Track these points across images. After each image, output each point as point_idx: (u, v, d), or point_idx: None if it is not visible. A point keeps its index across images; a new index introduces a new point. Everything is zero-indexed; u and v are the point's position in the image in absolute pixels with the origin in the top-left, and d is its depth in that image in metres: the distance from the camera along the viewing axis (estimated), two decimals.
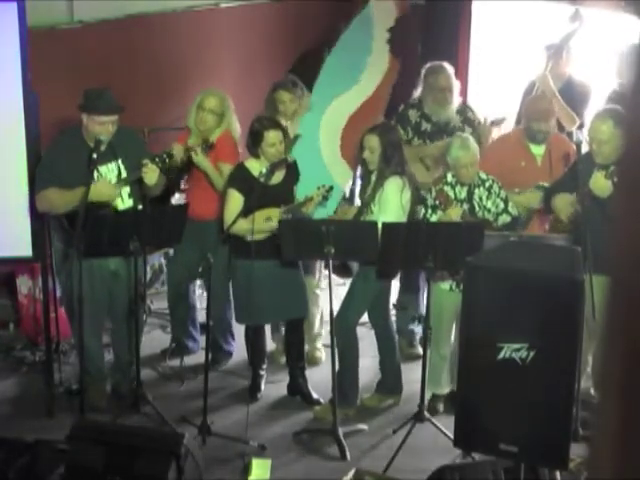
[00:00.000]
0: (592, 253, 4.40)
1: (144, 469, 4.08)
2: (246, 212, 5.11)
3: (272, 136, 5.18)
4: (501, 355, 3.64)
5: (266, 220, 5.15)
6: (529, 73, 6.23)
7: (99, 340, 5.46)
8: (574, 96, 6.00)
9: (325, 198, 5.21)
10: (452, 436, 4.03)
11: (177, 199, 6.29)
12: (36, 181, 5.07)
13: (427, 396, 5.09)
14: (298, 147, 5.75)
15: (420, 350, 5.96)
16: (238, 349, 5.94)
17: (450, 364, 5.25)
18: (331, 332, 4.95)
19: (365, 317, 5.47)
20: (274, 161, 5.20)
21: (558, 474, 4.07)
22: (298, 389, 5.53)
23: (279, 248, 5.00)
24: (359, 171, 5.73)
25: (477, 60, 7.02)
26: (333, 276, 4.99)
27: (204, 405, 4.93)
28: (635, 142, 1.23)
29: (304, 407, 5.43)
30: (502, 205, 5.22)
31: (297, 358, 5.56)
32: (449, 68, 5.92)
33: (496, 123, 5.98)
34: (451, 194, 5.17)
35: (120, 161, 5.14)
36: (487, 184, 5.22)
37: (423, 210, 5.20)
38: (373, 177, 5.22)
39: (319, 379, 5.61)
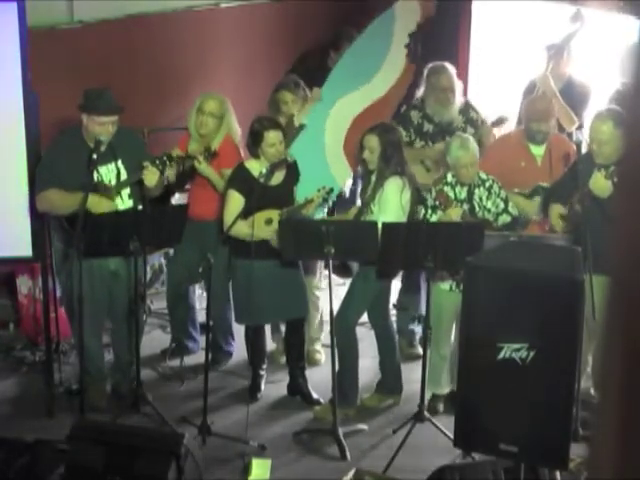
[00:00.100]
0: (592, 253, 4.40)
1: (144, 469, 4.08)
2: (246, 213, 5.11)
3: (272, 136, 5.18)
4: (501, 355, 3.64)
5: (266, 222, 5.15)
6: (529, 73, 6.23)
7: (99, 340, 5.46)
8: (574, 96, 6.00)
9: (325, 200, 5.21)
10: (452, 436, 4.03)
11: (177, 199, 6.29)
12: (36, 181, 5.07)
13: (427, 396, 5.09)
14: (303, 137, 5.74)
15: (420, 350, 5.96)
16: (238, 349, 5.94)
17: (450, 364, 5.25)
18: (331, 332, 4.95)
19: (365, 317, 5.47)
20: (274, 161, 5.20)
21: (558, 474, 4.07)
22: (298, 389, 5.53)
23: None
24: (360, 172, 5.74)
25: (477, 60, 7.02)
26: (333, 276, 4.99)
27: (204, 405, 4.93)
28: (635, 142, 1.23)
29: (304, 407, 5.43)
30: (502, 205, 5.22)
31: (297, 358, 5.56)
32: (451, 68, 5.92)
33: (497, 123, 5.97)
34: (451, 194, 5.17)
35: (120, 162, 5.14)
36: (487, 184, 5.22)
37: (423, 210, 5.21)
38: (373, 177, 5.22)
39: (319, 379, 5.61)
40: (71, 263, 5.15)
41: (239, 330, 5.79)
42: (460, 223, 5.02)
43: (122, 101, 5.16)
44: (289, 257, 5.13)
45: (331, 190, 5.20)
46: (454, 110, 5.94)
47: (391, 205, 5.10)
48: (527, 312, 3.61)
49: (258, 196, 5.09)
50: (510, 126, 6.12)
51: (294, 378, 5.55)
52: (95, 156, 4.93)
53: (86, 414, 4.93)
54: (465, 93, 6.21)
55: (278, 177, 5.27)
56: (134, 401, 5.11)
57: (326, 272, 5.21)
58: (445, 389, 5.36)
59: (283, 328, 5.83)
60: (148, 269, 6.30)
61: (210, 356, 5.29)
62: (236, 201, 5.20)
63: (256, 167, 5.23)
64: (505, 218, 5.22)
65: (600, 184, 4.74)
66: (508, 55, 6.89)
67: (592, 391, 4.91)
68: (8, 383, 5.71)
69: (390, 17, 6.04)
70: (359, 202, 5.56)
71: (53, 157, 5.11)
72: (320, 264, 5.85)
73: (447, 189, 5.19)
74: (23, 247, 5.25)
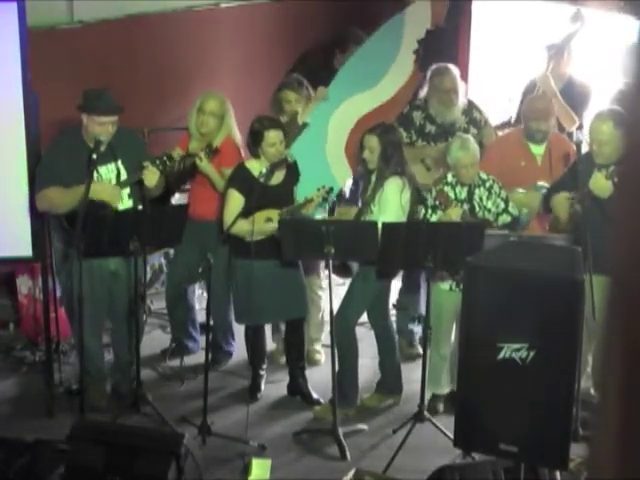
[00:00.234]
0: (592, 253, 4.40)
1: (144, 469, 4.08)
2: (246, 213, 5.12)
3: (272, 136, 5.18)
4: (501, 355, 3.64)
5: (266, 221, 5.15)
6: (529, 73, 6.23)
7: (99, 340, 5.46)
8: (575, 96, 6.00)
9: (325, 200, 5.21)
10: (452, 436, 4.03)
11: (177, 199, 6.29)
12: (36, 181, 5.07)
13: (427, 396, 5.09)
14: (305, 135, 5.74)
15: (420, 350, 5.97)
16: (238, 349, 5.93)
17: (450, 364, 5.25)
18: (331, 332, 4.95)
19: (365, 317, 5.47)
20: (274, 161, 5.20)
21: (558, 474, 4.07)
22: (298, 389, 5.53)
23: (279, 248, 5.00)
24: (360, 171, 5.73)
25: (477, 60, 7.02)
26: (333, 276, 5.00)
27: (204, 405, 4.93)
28: (636, 143, 1.23)
29: (304, 407, 5.43)
30: (502, 205, 5.22)
31: (297, 358, 5.56)
32: (454, 70, 5.91)
33: (502, 127, 5.97)
34: (451, 194, 5.17)
35: (120, 162, 5.13)
36: (487, 184, 5.22)
37: (423, 210, 5.21)
38: (373, 177, 5.22)
39: (319, 379, 5.61)
40: (71, 263, 5.15)
41: (239, 330, 5.79)
42: (460, 223, 5.02)
43: (122, 101, 5.16)
44: (289, 257, 5.13)
45: (331, 189, 5.20)
46: (457, 111, 5.94)
47: (391, 205, 5.10)
48: (527, 312, 3.61)
49: (258, 196, 5.09)
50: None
51: (294, 378, 5.55)
52: (95, 156, 4.93)
53: (86, 414, 4.93)
54: (465, 93, 6.21)
55: (278, 177, 5.27)
56: (134, 401, 5.10)
57: (327, 272, 5.21)
58: (445, 389, 5.36)
59: (283, 328, 5.83)
60: (148, 269, 6.30)
61: (210, 356, 5.30)
62: (236, 201, 5.20)
63: (256, 167, 5.23)
64: (505, 218, 5.22)
65: (600, 184, 4.74)
66: (508, 55, 6.89)
67: (592, 391, 4.91)
68: (8, 383, 5.71)
69: (400, 22, 6.05)
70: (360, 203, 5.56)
71: (53, 157, 5.11)
72: (322, 264, 5.85)
73: (447, 189, 5.19)
74: (23, 247, 5.25)
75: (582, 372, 4.67)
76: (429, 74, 5.94)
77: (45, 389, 5.39)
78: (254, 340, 5.51)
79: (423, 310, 5.15)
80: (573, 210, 4.94)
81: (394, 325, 5.58)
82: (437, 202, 5.13)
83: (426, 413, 4.89)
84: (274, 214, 5.14)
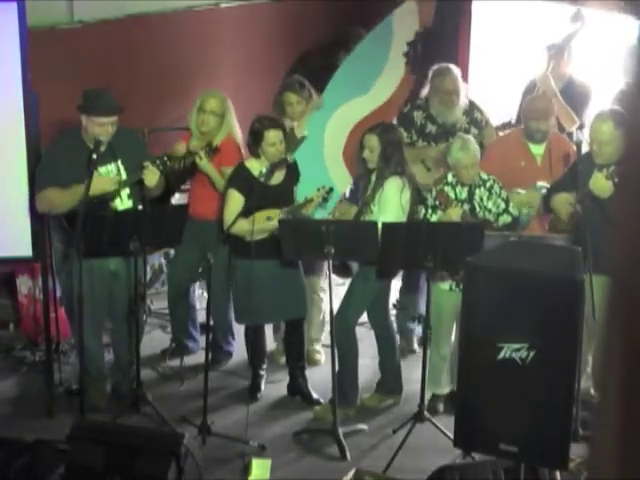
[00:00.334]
0: (592, 253, 4.40)
1: (144, 469, 4.08)
2: (246, 212, 5.12)
3: (272, 135, 5.18)
4: (501, 355, 3.64)
5: (266, 221, 5.15)
6: (529, 73, 6.22)
7: (99, 340, 5.46)
8: (575, 97, 6.00)
9: (325, 200, 5.21)
10: (452, 436, 4.03)
11: (177, 199, 6.29)
12: (36, 181, 5.07)
13: (427, 396, 5.09)
14: (302, 147, 5.75)
15: (416, 348, 5.99)
16: (238, 349, 5.94)
17: (450, 364, 5.25)
18: (331, 332, 4.95)
19: (365, 317, 5.47)
20: (274, 161, 5.20)
21: (558, 474, 4.07)
22: (298, 389, 5.53)
23: (279, 248, 5.00)
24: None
25: (477, 60, 7.02)
26: (333, 276, 5.00)
27: (204, 405, 4.93)
28: (636, 143, 1.23)
29: (304, 407, 5.43)
30: (503, 205, 5.22)
31: (297, 358, 5.56)
32: (456, 70, 5.90)
33: (502, 128, 5.97)
34: (452, 194, 5.17)
35: (119, 162, 5.13)
36: (488, 184, 5.22)
37: (423, 210, 5.21)
38: (373, 177, 5.22)
39: (319, 379, 5.61)
40: (71, 263, 5.14)
41: (239, 330, 5.79)
42: (460, 223, 5.02)
43: (122, 101, 5.16)
44: (289, 257, 5.13)
45: (331, 190, 5.19)
46: (458, 112, 5.94)
47: (391, 205, 5.10)
48: (527, 312, 3.61)
49: (258, 195, 5.09)
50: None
51: (294, 378, 5.55)
52: (95, 156, 4.93)
53: (86, 414, 4.92)
54: (466, 94, 6.21)
55: (278, 177, 5.27)
56: (134, 401, 5.10)
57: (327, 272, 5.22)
58: (445, 389, 5.36)
59: (284, 327, 5.84)
60: (148, 269, 6.30)
61: (210, 356, 5.29)
62: (236, 200, 5.20)
63: (256, 166, 5.23)
64: (506, 218, 5.22)
65: (600, 184, 4.74)
66: (508, 55, 6.89)
67: (592, 391, 4.91)
68: (8, 383, 5.71)
69: (388, 26, 6.05)
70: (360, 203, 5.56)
71: (52, 158, 5.10)
72: (324, 264, 5.84)
73: (448, 189, 5.19)
74: (23, 247, 5.25)
75: (582, 372, 4.67)
76: (430, 74, 5.93)
77: (45, 389, 5.39)
78: (254, 340, 5.51)
79: (423, 310, 5.15)
80: (573, 210, 4.94)
81: (394, 325, 5.58)
82: (437, 202, 5.13)
83: (426, 413, 4.89)
84: (274, 214, 5.14)
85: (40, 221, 5.29)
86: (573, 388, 3.71)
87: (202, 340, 5.78)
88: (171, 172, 5.35)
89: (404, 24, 6.09)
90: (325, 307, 5.84)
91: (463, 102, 5.95)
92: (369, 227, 4.97)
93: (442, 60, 6.04)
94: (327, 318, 5.45)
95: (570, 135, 5.81)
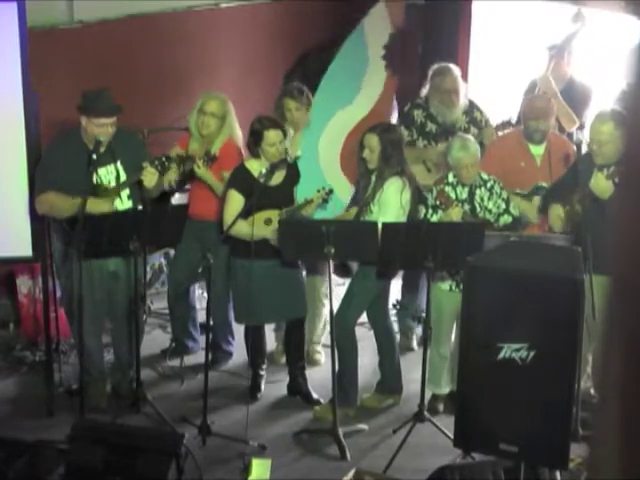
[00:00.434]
0: (592, 253, 4.40)
1: (144, 469, 4.08)
2: (246, 213, 5.11)
3: (272, 135, 5.17)
4: (501, 355, 3.64)
5: (265, 222, 5.15)
6: (530, 73, 6.23)
7: (99, 340, 5.46)
8: (575, 97, 6.00)
9: (325, 201, 5.21)
10: (452, 436, 4.03)
11: (177, 199, 6.29)
12: (35, 182, 5.06)
13: (427, 396, 5.09)
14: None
15: (415, 345, 5.99)
16: (238, 349, 5.94)
17: (450, 364, 5.25)
18: (331, 332, 4.95)
19: (365, 317, 5.47)
20: (274, 161, 5.20)
21: (558, 474, 4.07)
22: (298, 389, 5.53)
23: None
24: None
25: (477, 60, 7.02)
26: (333, 276, 4.99)
27: (204, 405, 4.93)
28: (636, 143, 1.23)
29: (304, 407, 5.43)
30: (503, 206, 5.22)
31: (297, 358, 5.56)
32: (456, 70, 5.90)
33: (502, 127, 5.97)
34: (452, 195, 5.17)
35: (119, 163, 5.12)
36: (488, 185, 5.22)
37: (424, 210, 5.21)
38: (373, 177, 5.22)
39: (319, 379, 5.61)
40: (71, 263, 5.14)
41: (239, 330, 5.79)
42: (460, 223, 5.02)
43: (122, 101, 5.15)
44: (289, 257, 5.13)
45: (331, 191, 5.20)
46: (458, 111, 5.93)
47: (391, 205, 5.10)
48: (527, 312, 3.61)
49: (258, 196, 5.09)
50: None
51: (294, 378, 5.55)
52: (95, 157, 4.93)
53: (86, 414, 4.92)
54: (466, 93, 6.21)
55: (278, 177, 5.27)
56: (134, 401, 5.10)
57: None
58: (445, 389, 5.36)
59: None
60: (148, 269, 6.30)
61: (210, 356, 5.29)
62: (236, 201, 5.20)
63: (256, 167, 5.23)
64: (506, 219, 5.22)
65: (601, 185, 4.74)
66: (508, 55, 6.89)
67: (592, 391, 4.91)
68: (8, 383, 5.71)
69: (360, 34, 6.05)
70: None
71: (52, 159, 5.10)
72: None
73: (448, 189, 5.19)
74: (23, 247, 5.25)
75: (582, 372, 4.67)
76: (430, 73, 5.94)
77: (45, 389, 5.39)
78: (254, 340, 5.51)
79: (423, 310, 5.15)
80: (573, 210, 4.94)
81: (394, 325, 5.58)
82: (438, 202, 5.13)
83: (426, 413, 4.89)
84: (274, 215, 5.14)
85: (40, 221, 5.29)
86: (573, 388, 3.71)
87: (202, 340, 5.78)
88: (175, 181, 5.34)
89: (376, 28, 6.09)
90: (326, 312, 5.84)
91: (463, 102, 5.95)
92: (369, 227, 4.96)
93: (442, 60, 6.04)
94: (327, 318, 5.44)
95: (570, 135, 5.81)
